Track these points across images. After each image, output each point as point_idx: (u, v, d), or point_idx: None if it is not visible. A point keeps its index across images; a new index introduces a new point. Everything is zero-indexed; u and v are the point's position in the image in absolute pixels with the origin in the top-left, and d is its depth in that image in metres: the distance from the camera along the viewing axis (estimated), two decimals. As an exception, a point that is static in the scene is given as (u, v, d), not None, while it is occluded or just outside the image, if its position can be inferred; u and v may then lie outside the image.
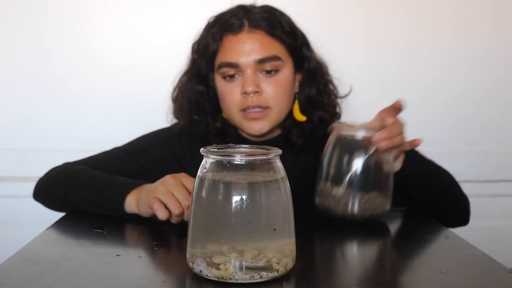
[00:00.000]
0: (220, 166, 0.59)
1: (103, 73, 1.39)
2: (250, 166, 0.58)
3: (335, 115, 1.12)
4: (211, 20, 1.09)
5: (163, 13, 1.40)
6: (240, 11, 1.06)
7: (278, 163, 0.61)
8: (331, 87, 1.13)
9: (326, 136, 1.11)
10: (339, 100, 1.14)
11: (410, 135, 1.46)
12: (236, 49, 1.03)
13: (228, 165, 0.58)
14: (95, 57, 1.39)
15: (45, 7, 1.37)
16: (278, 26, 1.05)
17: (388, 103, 1.44)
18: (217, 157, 0.59)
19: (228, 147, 0.63)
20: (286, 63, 1.05)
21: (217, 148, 0.61)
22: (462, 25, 1.43)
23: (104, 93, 1.40)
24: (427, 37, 1.43)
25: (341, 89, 1.17)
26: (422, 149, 1.47)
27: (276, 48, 1.04)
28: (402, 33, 1.43)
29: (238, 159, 0.58)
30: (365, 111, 1.38)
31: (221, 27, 1.05)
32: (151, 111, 1.39)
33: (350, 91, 1.17)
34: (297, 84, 1.11)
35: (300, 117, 1.09)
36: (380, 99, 1.44)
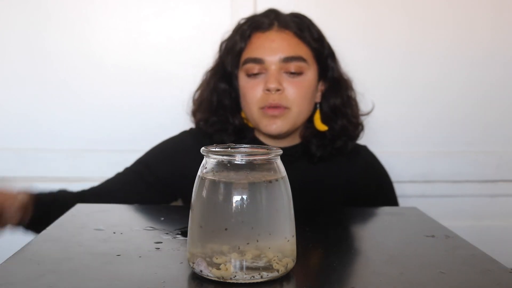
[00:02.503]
0: (220, 166, 0.59)
1: (103, 73, 1.39)
2: (250, 166, 0.58)
3: (358, 127, 1.12)
4: (242, 21, 1.10)
5: (163, 13, 1.40)
6: (272, 13, 1.08)
7: (279, 163, 0.61)
8: (354, 103, 1.13)
9: (346, 148, 1.11)
10: (361, 118, 1.15)
11: (410, 135, 1.47)
12: (263, 46, 1.04)
13: (228, 164, 0.58)
14: (95, 57, 1.39)
15: (45, 7, 1.37)
16: (306, 30, 1.06)
17: (387, 103, 1.45)
18: (218, 156, 0.59)
19: (229, 147, 0.63)
20: (311, 67, 1.05)
21: (218, 148, 0.61)
22: (462, 25, 1.43)
23: (104, 93, 1.40)
24: (427, 37, 1.43)
25: (362, 105, 1.17)
26: (423, 150, 1.48)
27: (302, 50, 1.04)
28: (402, 33, 1.43)
29: (239, 159, 0.58)
30: (364, 111, 1.38)
31: (251, 25, 1.07)
32: (151, 111, 1.39)
33: (372, 109, 1.17)
34: (319, 94, 1.10)
35: (321, 126, 1.09)
36: (380, 99, 1.45)
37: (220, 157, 0.59)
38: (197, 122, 1.13)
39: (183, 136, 1.14)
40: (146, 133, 1.40)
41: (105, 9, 1.38)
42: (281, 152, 0.61)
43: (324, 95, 1.10)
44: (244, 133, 1.10)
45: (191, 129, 1.16)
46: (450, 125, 1.47)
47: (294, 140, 1.11)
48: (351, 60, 1.40)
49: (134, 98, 1.40)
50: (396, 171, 1.42)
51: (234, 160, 0.58)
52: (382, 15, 1.42)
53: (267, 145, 1.09)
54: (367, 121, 1.32)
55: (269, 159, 0.59)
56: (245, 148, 0.64)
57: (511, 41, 1.45)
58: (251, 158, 0.59)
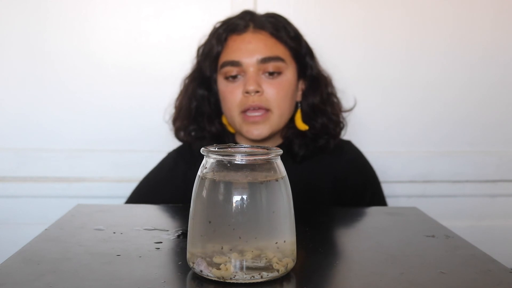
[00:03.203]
0: (220, 165, 0.59)
1: (103, 73, 1.39)
2: (251, 166, 0.58)
3: (339, 125, 1.11)
4: (217, 25, 1.09)
5: (163, 13, 1.40)
6: (247, 15, 1.07)
7: (279, 163, 0.61)
8: (335, 99, 1.13)
9: (329, 146, 1.11)
10: (344, 114, 1.14)
11: (410, 135, 1.47)
12: (239, 48, 1.03)
13: (228, 164, 0.58)
14: (95, 57, 1.39)
15: (45, 7, 1.37)
16: (282, 29, 1.05)
17: (387, 103, 1.45)
18: (218, 156, 0.59)
19: (229, 147, 0.63)
20: (289, 66, 1.05)
21: (218, 148, 0.61)
22: (462, 25, 1.43)
23: (104, 93, 1.40)
24: (427, 37, 1.43)
25: (344, 102, 1.17)
26: (422, 150, 1.48)
27: (279, 50, 1.04)
28: (402, 34, 1.43)
29: (239, 159, 0.58)
30: (365, 111, 1.38)
31: (227, 28, 1.06)
32: (151, 111, 1.39)
33: (354, 105, 1.17)
34: (300, 93, 1.10)
35: (302, 126, 1.08)
36: (380, 99, 1.45)
37: (220, 157, 0.59)
38: (176, 131, 1.13)
39: (163, 166, 1.14)
40: (146, 133, 1.40)
41: (105, 9, 1.38)
42: (281, 152, 0.61)
43: (304, 94, 1.10)
44: (223, 139, 1.10)
45: (169, 154, 1.17)
46: (450, 125, 1.47)
47: (276, 141, 1.10)
48: (351, 60, 1.40)
49: (134, 98, 1.40)
50: (396, 171, 1.42)
51: (234, 160, 0.58)
52: (382, 15, 1.42)
53: None
54: (367, 121, 1.32)
55: (269, 159, 0.60)
56: (245, 148, 0.64)
57: (511, 41, 1.45)
58: (251, 158, 0.59)
